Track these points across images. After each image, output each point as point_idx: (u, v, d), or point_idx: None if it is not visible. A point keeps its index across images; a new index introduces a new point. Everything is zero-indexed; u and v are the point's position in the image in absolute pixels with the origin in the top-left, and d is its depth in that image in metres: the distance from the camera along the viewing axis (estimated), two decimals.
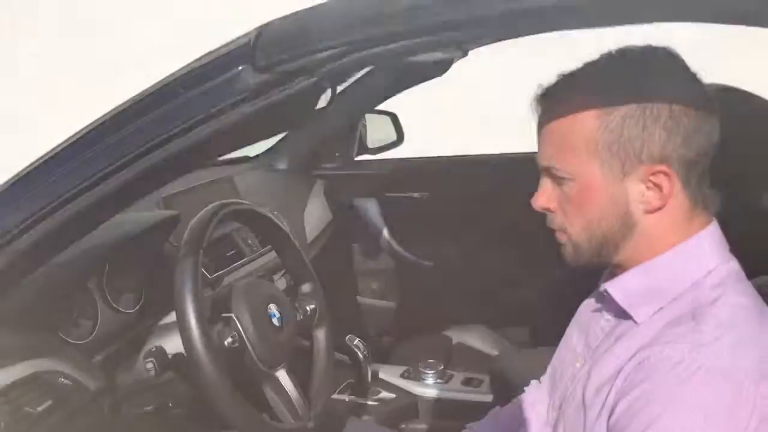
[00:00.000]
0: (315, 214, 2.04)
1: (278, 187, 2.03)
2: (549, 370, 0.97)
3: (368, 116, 2.25)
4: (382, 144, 2.29)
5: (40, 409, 0.94)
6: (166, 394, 1.19)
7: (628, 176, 0.73)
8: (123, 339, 1.20)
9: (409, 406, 1.60)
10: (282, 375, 1.11)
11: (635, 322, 0.74)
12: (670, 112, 0.70)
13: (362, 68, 1.08)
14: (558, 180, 0.77)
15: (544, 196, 0.79)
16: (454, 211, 2.02)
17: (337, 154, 2.25)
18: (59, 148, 0.78)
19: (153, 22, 4.16)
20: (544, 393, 0.94)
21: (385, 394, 1.60)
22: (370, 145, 2.29)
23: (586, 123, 0.74)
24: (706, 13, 0.54)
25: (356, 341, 1.51)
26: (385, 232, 2.24)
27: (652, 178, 0.72)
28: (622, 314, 0.77)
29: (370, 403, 1.57)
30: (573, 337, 0.89)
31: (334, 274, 2.16)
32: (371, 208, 2.25)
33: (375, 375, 1.64)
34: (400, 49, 0.69)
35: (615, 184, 0.74)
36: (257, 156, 2.12)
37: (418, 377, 1.63)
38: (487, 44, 0.95)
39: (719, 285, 0.71)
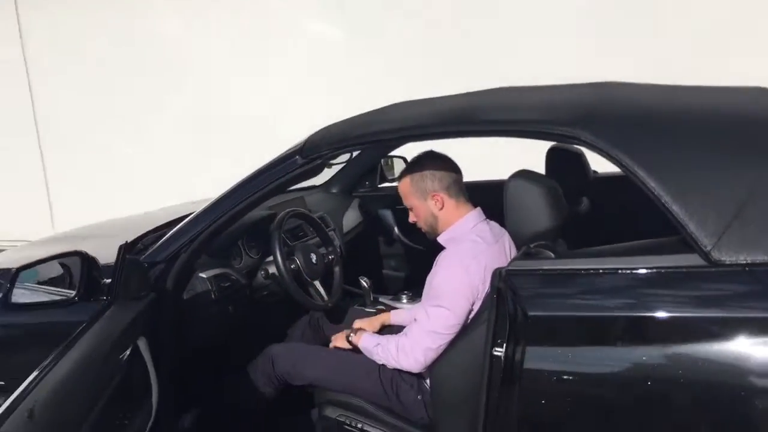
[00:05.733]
0: (351, 218, 3.11)
1: (330, 202, 3.11)
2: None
3: (389, 159, 3.26)
4: (396, 176, 3.26)
5: (225, 285, 2.19)
6: (268, 289, 2.37)
7: (427, 200, 1.87)
8: (253, 266, 2.42)
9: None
10: (317, 283, 2.37)
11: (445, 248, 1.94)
12: (429, 174, 1.84)
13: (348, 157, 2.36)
14: (409, 209, 1.96)
15: (411, 217, 1.98)
16: None
17: (367, 183, 3.31)
18: (218, 198, 2.01)
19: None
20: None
21: (380, 308, 2.64)
22: (388, 177, 3.35)
23: (406, 185, 1.86)
24: None
25: (364, 279, 2.62)
26: (397, 230, 3.29)
27: (432, 198, 1.88)
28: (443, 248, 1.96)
29: (371, 310, 2.60)
30: None
31: (365, 256, 3.29)
32: (388, 215, 3.31)
33: (376, 299, 2.66)
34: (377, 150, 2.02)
35: (423, 204, 1.85)
36: (320, 185, 3.23)
37: (400, 300, 2.68)
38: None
39: (469, 232, 1.87)
